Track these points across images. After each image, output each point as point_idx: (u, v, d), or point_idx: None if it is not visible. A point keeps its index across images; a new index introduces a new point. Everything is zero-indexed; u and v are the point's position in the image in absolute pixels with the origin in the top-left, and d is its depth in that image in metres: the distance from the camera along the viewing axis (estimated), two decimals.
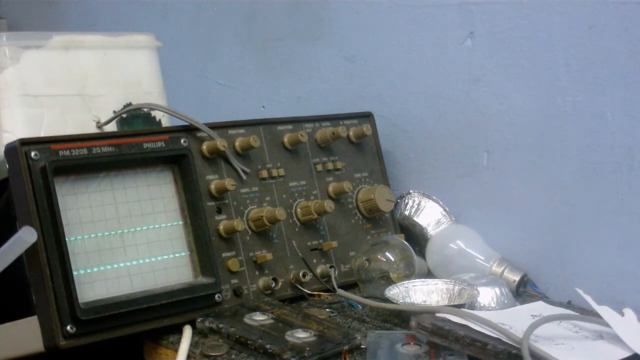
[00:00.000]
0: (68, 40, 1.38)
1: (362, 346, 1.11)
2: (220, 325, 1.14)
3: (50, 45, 1.36)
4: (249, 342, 1.10)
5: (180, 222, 1.23)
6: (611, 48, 1.30)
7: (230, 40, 1.82)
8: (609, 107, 1.30)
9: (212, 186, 1.27)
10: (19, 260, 1.09)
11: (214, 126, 1.30)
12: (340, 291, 1.28)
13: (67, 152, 1.15)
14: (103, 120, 1.38)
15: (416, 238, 1.47)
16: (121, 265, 1.16)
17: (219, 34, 1.83)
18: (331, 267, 1.35)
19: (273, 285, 1.29)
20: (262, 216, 1.28)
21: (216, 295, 1.21)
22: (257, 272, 1.28)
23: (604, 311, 1.17)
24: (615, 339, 1.13)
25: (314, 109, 1.59)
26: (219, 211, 1.27)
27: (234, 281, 1.25)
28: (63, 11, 2.21)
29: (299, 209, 1.35)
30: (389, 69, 1.56)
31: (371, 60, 1.59)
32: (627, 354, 1.11)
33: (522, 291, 1.37)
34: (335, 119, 1.45)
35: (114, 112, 1.40)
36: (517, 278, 1.37)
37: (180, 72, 1.83)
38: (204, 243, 1.22)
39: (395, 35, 1.54)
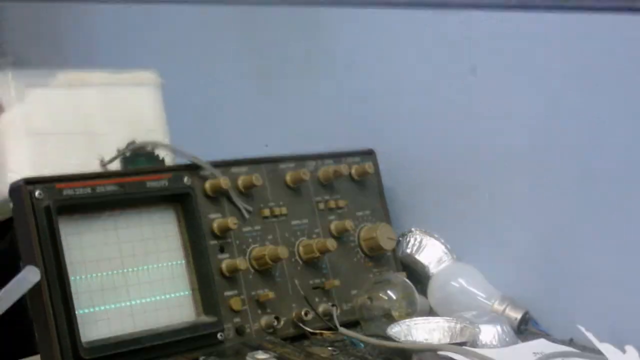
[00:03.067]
0: (72, 78, 1.39)
1: None
2: None
3: (55, 83, 1.37)
4: None
5: (183, 261, 1.24)
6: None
7: (232, 77, 1.82)
8: (614, 141, 1.30)
9: (215, 225, 1.27)
10: (22, 299, 1.09)
11: (217, 164, 1.31)
12: (342, 329, 1.28)
13: (71, 192, 1.15)
14: (107, 158, 1.39)
15: (418, 276, 1.47)
16: (124, 304, 1.17)
17: (221, 71, 1.84)
18: (333, 305, 1.35)
19: (275, 323, 1.29)
20: (264, 255, 1.29)
21: (218, 334, 1.21)
22: (259, 311, 1.28)
23: (606, 348, 1.17)
24: None
25: (316, 146, 1.59)
26: (222, 250, 1.27)
27: (237, 320, 1.25)
28: (66, 46, 2.23)
29: (301, 248, 1.36)
30: (391, 106, 1.56)
31: (374, 97, 1.59)
32: None
33: (524, 329, 1.37)
34: (337, 156, 1.46)
35: (118, 150, 1.40)
36: (518, 316, 1.37)
37: (183, 110, 1.84)
38: (206, 282, 1.23)
39: (398, 72, 1.55)
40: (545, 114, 1.37)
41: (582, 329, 1.20)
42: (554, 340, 1.30)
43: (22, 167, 1.30)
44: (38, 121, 1.34)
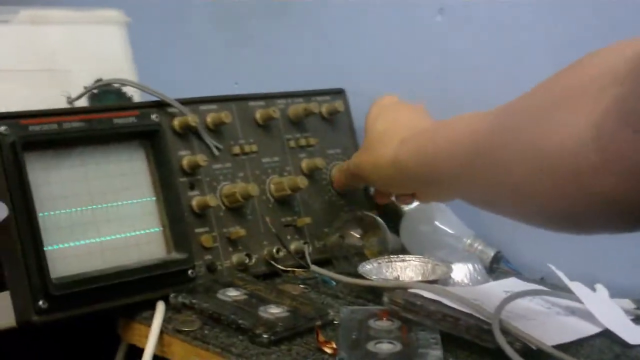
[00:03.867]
0: (35, 15, 1.37)
1: (335, 322, 1.11)
2: (194, 301, 1.13)
3: (17, 20, 1.35)
4: (222, 317, 1.10)
5: (153, 198, 1.22)
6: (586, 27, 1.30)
7: (200, 16, 1.80)
8: None
9: (185, 162, 1.26)
10: None
11: (185, 102, 1.29)
12: (314, 267, 1.28)
13: (37, 127, 1.13)
14: (73, 96, 1.37)
15: (390, 214, 1.46)
16: (93, 240, 1.15)
17: (189, 10, 1.82)
18: (305, 243, 1.35)
19: (247, 261, 1.28)
20: (235, 192, 1.28)
21: (189, 271, 1.20)
22: (230, 248, 1.28)
23: (576, 287, 1.18)
24: (587, 315, 1.14)
25: (286, 85, 1.58)
26: (192, 187, 1.26)
27: (208, 257, 1.25)
28: None
29: (272, 185, 1.35)
30: (360, 45, 1.55)
31: (343, 37, 1.58)
32: (598, 330, 1.12)
33: (496, 268, 1.38)
34: (307, 95, 1.45)
35: (85, 88, 1.38)
36: (490, 254, 1.37)
37: (151, 48, 1.81)
38: (177, 219, 1.21)
39: (365, 11, 1.54)
40: (521, 54, 1.37)
41: (553, 267, 1.21)
42: (525, 279, 1.31)
43: None
44: (1, 58, 1.32)
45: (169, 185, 1.22)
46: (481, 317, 1.05)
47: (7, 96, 1.31)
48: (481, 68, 1.41)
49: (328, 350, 1.04)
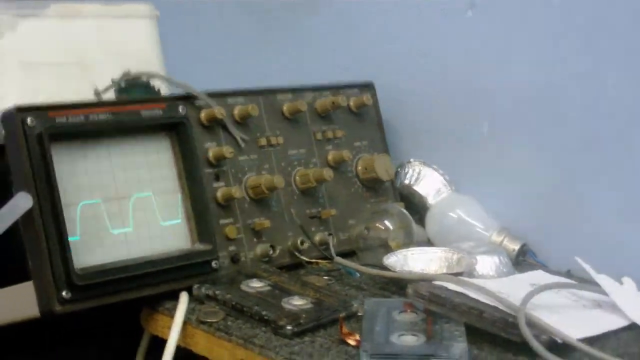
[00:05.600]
0: (65, 8, 1.38)
1: (359, 313, 1.11)
2: (217, 292, 1.14)
3: (47, 13, 1.36)
4: (245, 308, 1.10)
5: (179, 190, 1.22)
6: (612, 16, 1.28)
7: (230, 9, 1.80)
8: (611, 74, 1.29)
9: (210, 153, 1.26)
10: (14, 226, 1.08)
11: (213, 94, 1.29)
12: (338, 259, 1.28)
13: (64, 119, 1.14)
14: (101, 88, 1.38)
15: (416, 207, 1.46)
16: (118, 231, 1.16)
17: (219, 3, 1.82)
18: (329, 235, 1.35)
19: (271, 252, 1.28)
20: (260, 184, 1.28)
21: (213, 262, 1.21)
22: (254, 240, 1.28)
23: (603, 280, 1.17)
24: (614, 308, 1.13)
25: (314, 78, 1.58)
26: (217, 178, 1.26)
27: (232, 248, 1.25)
28: None
29: (297, 177, 1.35)
30: (390, 37, 1.55)
31: (372, 29, 1.58)
32: (625, 323, 1.11)
33: (522, 260, 1.37)
34: (335, 88, 1.45)
35: (112, 80, 1.39)
36: (516, 247, 1.36)
37: (180, 42, 1.82)
38: (201, 210, 1.22)
39: (396, 4, 1.53)
40: (547, 46, 1.36)
41: (580, 260, 1.20)
42: (551, 272, 1.30)
43: (14, 96, 1.29)
44: (30, 51, 1.33)
45: (194, 177, 1.22)
46: (506, 310, 1.05)
47: (36, 89, 1.32)
48: (511, 61, 1.40)
49: (351, 342, 1.03)
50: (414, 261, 1.26)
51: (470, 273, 1.23)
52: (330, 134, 1.41)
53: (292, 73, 1.67)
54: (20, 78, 1.31)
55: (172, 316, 1.12)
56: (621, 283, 1.19)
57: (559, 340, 1.01)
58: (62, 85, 1.35)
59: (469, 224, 1.40)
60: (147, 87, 1.42)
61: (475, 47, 1.44)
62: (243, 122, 1.32)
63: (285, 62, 1.72)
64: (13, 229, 1.08)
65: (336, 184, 1.39)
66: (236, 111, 1.31)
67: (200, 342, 1.10)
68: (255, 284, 1.16)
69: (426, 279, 1.14)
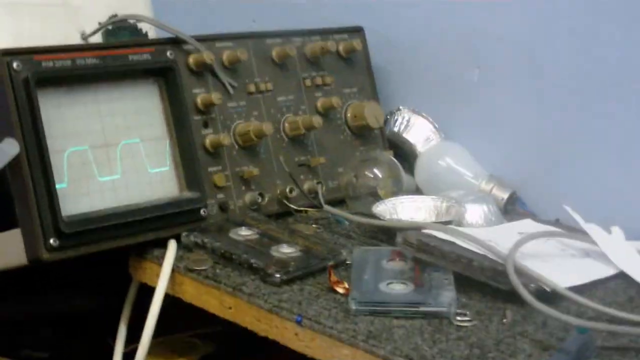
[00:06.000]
0: None
1: (348, 262, 1.11)
2: (205, 240, 1.13)
3: None
4: (233, 256, 1.10)
5: (167, 136, 1.21)
6: None
7: None
8: (606, 27, 1.28)
9: (199, 100, 1.25)
10: (1, 174, 1.07)
11: (201, 39, 1.28)
12: (327, 207, 1.27)
13: (51, 64, 1.12)
14: (88, 31, 1.36)
15: (405, 155, 1.46)
16: (105, 178, 1.15)
17: None
18: (318, 183, 1.34)
19: (259, 200, 1.28)
20: (249, 130, 1.27)
21: (201, 210, 1.20)
22: (243, 187, 1.27)
23: (592, 229, 1.17)
24: (602, 257, 1.13)
25: (304, 23, 1.57)
26: (206, 125, 1.25)
27: (220, 196, 1.24)
28: None
29: (286, 124, 1.34)
30: None
31: None
32: (613, 272, 1.12)
33: (511, 209, 1.37)
34: (325, 33, 1.43)
35: (99, 23, 1.37)
36: (505, 196, 1.36)
37: None
38: (189, 157, 1.21)
39: None
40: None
41: (569, 209, 1.20)
42: (540, 221, 1.30)
43: None
44: None
45: (182, 124, 1.21)
46: (495, 259, 1.05)
47: (21, 31, 1.30)
48: (503, 7, 1.38)
49: (340, 290, 1.04)
50: (403, 209, 1.26)
51: (459, 222, 1.23)
52: (319, 81, 1.40)
53: (281, 20, 1.65)
54: (4, 19, 1.29)
55: (160, 264, 1.12)
56: (610, 232, 1.19)
57: (548, 289, 1.01)
58: (47, 28, 1.33)
59: (458, 172, 1.39)
60: (134, 31, 1.41)
61: None
62: (232, 67, 1.30)
63: (274, 6, 1.69)
64: (0, 176, 1.07)
65: (325, 132, 1.38)
66: (225, 56, 1.30)
67: (189, 290, 1.10)
68: (244, 232, 1.16)
69: (415, 228, 1.14)
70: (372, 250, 1.14)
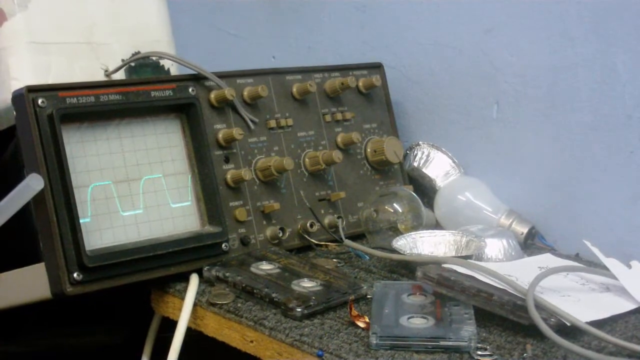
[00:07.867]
0: None
1: (368, 296, 1.12)
2: (227, 274, 1.14)
3: None
4: (255, 290, 1.10)
5: (188, 171, 1.23)
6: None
7: None
8: (621, 58, 1.29)
9: (220, 135, 1.26)
10: (26, 208, 1.09)
11: (222, 75, 1.29)
12: (347, 241, 1.28)
13: (75, 100, 1.14)
14: (111, 68, 1.37)
15: (425, 189, 1.46)
16: (128, 213, 1.16)
17: None
18: (339, 217, 1.35)
19: (280, 235, 1.29)
20: (269, 166, 1.28)
21: (223, 244, 1.21)
22: (264, 222, 1.28)
23: (612, 263, 1.16)
24: (622, 292, 1.13)
25: (323, 60, 1.58)
26: (227, 160, 1.27)
27: (241, 230, 1.25)
28: None
29: (307, 159, 1.35)
30: (400, 19, 1.54)
31: (382, 11, 1.57)
32: (633, 307, 1.11)
33: (530, 243, 1.37)
34: (344, 69, 1.44)
35: (122, 60, 1.39)
36: (525, 230, 1.36)
37: (189, 21, 1.82)
38: (211, 192, 1.22)
39: None
40: (558, 29, 1.35)
41: (588, 243, 1.20)
42: (560, 255, 1.30)
43: (25, 76, 1.28)
44: (41, 30, 1.32)
45: (203, 159, 1.23)
46: (515, 293, 1.05)
47: (46, 68, 1.31)
48: (520, 44, 1.39)
49: (361, 325, 1.04)
50: (423, 244, 1.27)
51: (479, 256, 1.23)
52: (339, 116, 1.41)
53: (301, 56, 1.67)
54: (31, 57, 1.31)
55: (182, 298, 1.12)
56: (630, 267, 1.19)
57: (568, 323, 1.01)
58: (72, 65, 1.34)
59: (478, 206, 1.40)
60: (157, 67, 1.42)
61: (484, 29, 1.44)
62: (253, 103, 1.32)
63: (295, 43, 1.71)
64: (25, 211, 1.09)
65: (345, 167, 1.39)
66: (246, 92, 1.31)
67: (211, 324, 1.11)
68: (265, 266, 1.17)
69: (435, 262, 1.14)
70: (392, 284, 1.14)
